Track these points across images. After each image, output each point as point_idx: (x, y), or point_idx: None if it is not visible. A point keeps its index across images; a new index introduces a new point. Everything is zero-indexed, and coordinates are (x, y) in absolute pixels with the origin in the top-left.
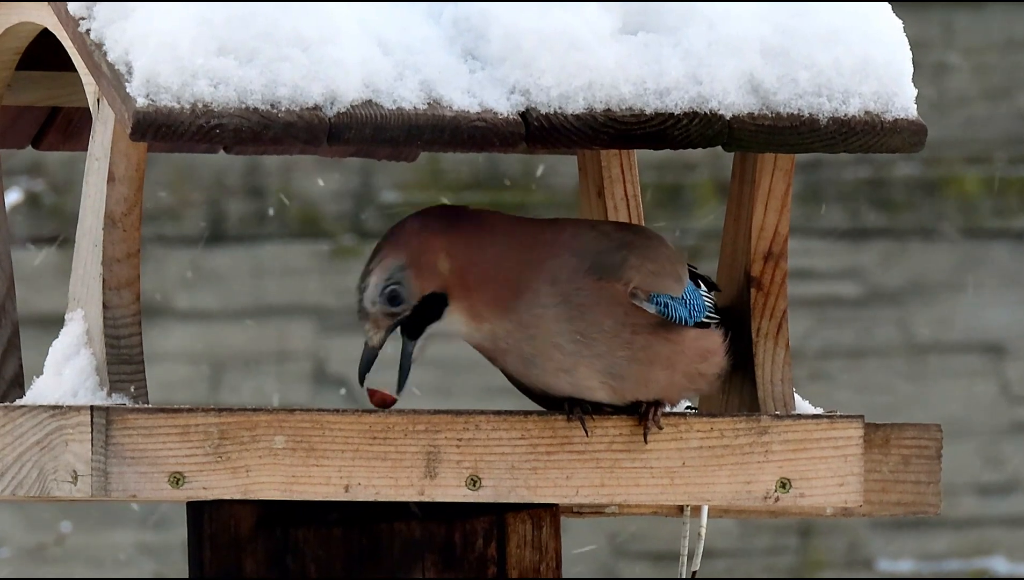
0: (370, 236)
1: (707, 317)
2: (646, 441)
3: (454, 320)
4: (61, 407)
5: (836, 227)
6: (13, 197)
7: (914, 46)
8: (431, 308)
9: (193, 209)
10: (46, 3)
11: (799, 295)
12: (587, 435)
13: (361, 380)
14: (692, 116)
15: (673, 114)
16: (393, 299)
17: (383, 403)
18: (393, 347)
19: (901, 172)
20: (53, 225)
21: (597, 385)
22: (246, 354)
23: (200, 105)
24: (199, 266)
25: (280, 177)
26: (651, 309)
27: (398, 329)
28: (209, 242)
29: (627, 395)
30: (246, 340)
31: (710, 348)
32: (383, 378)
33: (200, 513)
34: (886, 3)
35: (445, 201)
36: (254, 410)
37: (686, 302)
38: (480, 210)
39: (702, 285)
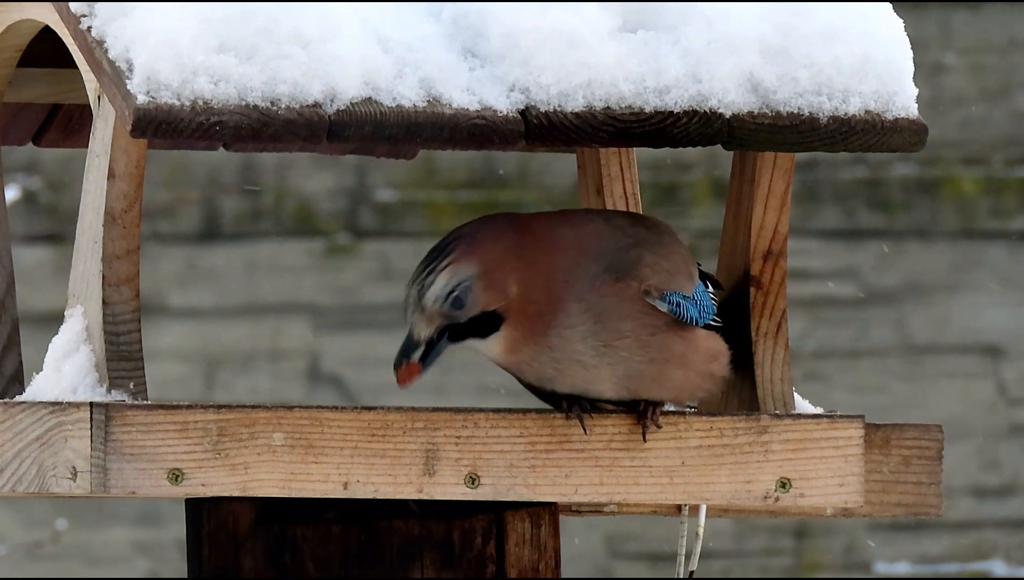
0: (365, 234)
1: (713, 320)
2: (645, 439)
3: (493, 345)
4: (61, 403)
5: (832, 227)
6: (10, 195)
7: (911, 46)
8: (484, 325)
9: (188, 207)
10: (48, 1)
11: (795, 295)
12: (585, 433)
13: (397, 366)
14: (692, 114)
15: (673, 112)
16: (456, 304)
17: (407, 376)
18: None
19: (898, 172)
20: (50, 223)
21: (611, 387)
22: (241, 352)
23: (200, 102)
24: (194, 264)
25: (276, 175)
26: (663, 307)
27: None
28: (204, 240)
29: (642, 394)
30: (241, 338)
31: (719, 349)
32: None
33: (199, 510)
34: (886, 2)
35: (439, 198)
36: (253, 407)
37: (696, 302)
38: (533, 221)
39: (709, 285)
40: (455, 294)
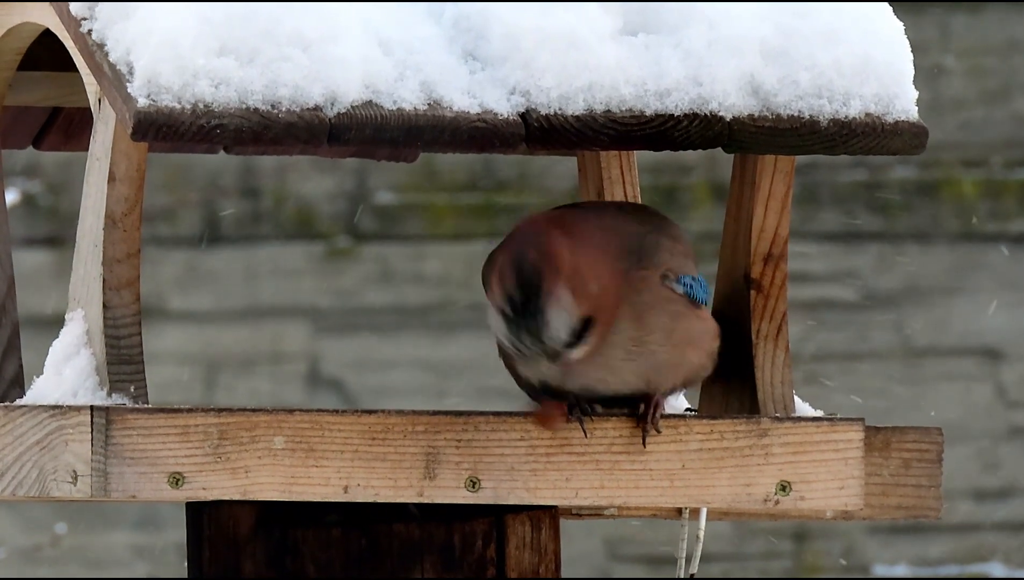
0: (365, 237)
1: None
2: (644, 444)
3: (582, 350)
4: (61, 407)
5: (831, 230)
6: (10, 198)
7: (911, 48)
8: (582, 333)
9: (188, 210)
10: (48, 3)
11: (794, 298)
12: (586, 436)
13: (537, 398)
14: (692, 117)
15: (673, 115)
16: (575, 336)
17: (553, 418)
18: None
19: (897, 175)
20: (50, 226)
21: (633, 380)
22: (241, 355)
23: (201, 105)
24: (194, 267)
25: (275, 178)
26: (680, 290)
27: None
28: (204, 243)
29: (657, 382)
30: (241, 341)
31: (717, 328)
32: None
33: (199, 514)
34: (887, 4)
35: (438, 201)
36: (253, 410)
37: (701, 284)
38: (568, 222)
39: None
40: (572, 328)
